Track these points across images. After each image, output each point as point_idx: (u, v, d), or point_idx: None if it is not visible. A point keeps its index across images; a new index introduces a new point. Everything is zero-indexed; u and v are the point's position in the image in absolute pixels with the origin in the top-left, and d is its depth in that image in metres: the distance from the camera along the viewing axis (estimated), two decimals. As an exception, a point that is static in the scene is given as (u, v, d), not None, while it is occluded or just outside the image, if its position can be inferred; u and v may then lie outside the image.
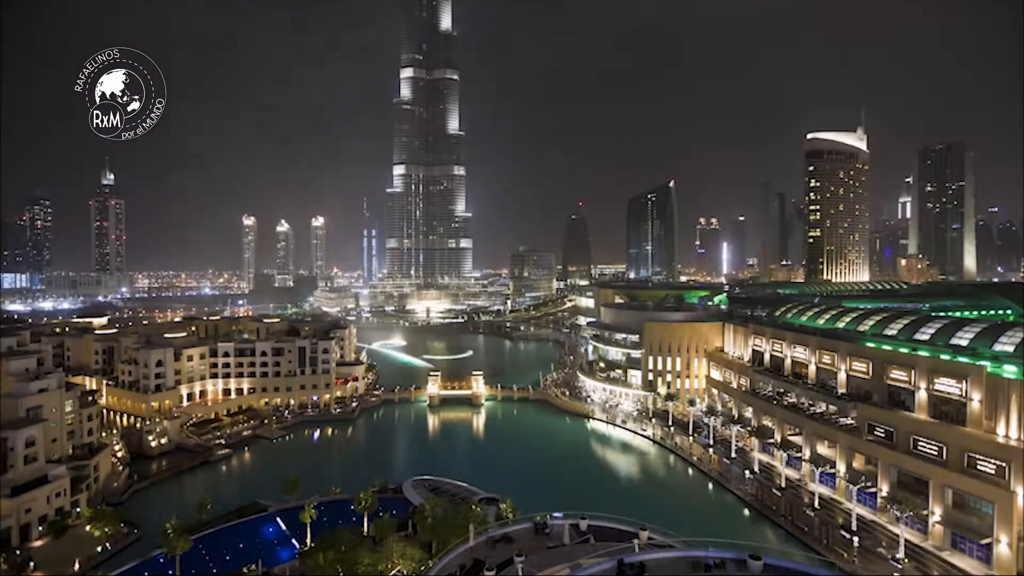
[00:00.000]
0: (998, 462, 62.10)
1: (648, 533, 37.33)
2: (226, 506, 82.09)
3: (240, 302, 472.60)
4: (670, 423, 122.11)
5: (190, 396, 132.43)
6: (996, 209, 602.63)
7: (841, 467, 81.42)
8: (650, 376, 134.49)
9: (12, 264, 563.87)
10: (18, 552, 71.13)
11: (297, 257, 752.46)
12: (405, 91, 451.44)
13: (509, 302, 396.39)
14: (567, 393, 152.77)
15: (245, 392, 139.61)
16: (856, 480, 76.51)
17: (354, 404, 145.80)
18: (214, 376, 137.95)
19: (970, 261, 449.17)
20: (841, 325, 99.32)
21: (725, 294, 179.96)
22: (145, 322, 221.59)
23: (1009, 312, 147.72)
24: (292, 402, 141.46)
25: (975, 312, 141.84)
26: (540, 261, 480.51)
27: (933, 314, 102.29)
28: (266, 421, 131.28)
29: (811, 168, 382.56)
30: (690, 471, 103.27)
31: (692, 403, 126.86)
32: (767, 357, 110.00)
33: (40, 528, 76.45)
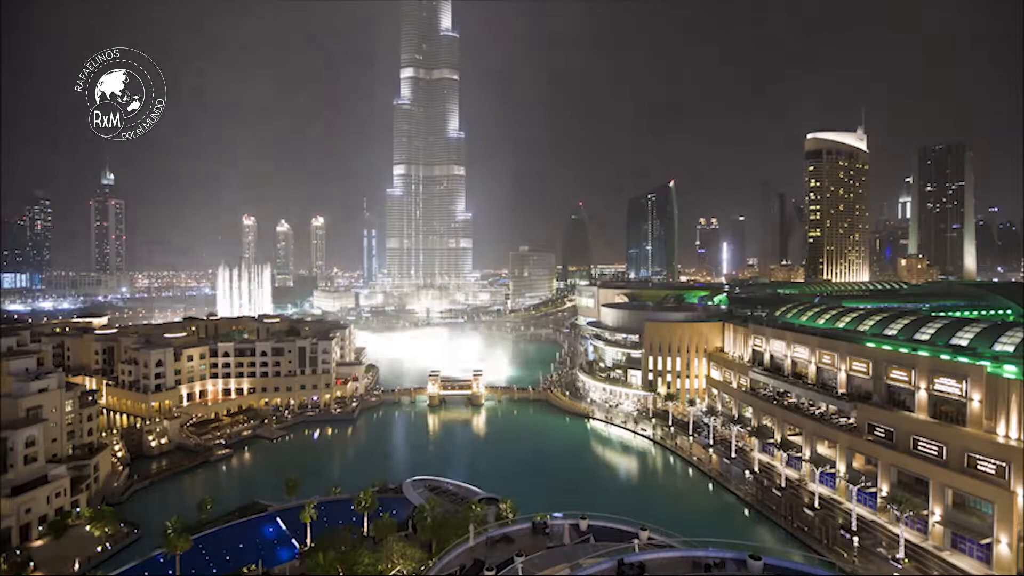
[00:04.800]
0: (998, 462, 62.18)
1: (648, 533, 37.36)
2: (226, 506, 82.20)
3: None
4: (670, 423, 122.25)
5: (190, 396, 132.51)
6: (996, 209, 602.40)
7: (841, 467, 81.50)
8: (650, 376, 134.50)
9: (12, 264, 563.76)
10: (18, 552, 71.16)
11: (297, 257, 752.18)
12: (405, 91, 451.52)
13: (509, 302, 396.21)
14: (567, 393, 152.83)
15: (245, 392, 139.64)
16: (856, 480, 76.61)
17: (354, 404, 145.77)
18: (214, 376, 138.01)
19: (970, 261, 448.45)
20: (841, 325, 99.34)
21: (725, 294, 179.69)
22: (145, 322, 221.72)
23: (1009, 312, 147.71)
24: (292, 402, 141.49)
25: (975, 312, 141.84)
26: (540, 261, 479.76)
27: (933, 314, 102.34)
28: (266, 421, 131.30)
29: (811, 168, 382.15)
30: (690, 471, 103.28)
31: (692, 403, 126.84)
32: (767, 357, 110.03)
33: (40, 528, 76.53)
